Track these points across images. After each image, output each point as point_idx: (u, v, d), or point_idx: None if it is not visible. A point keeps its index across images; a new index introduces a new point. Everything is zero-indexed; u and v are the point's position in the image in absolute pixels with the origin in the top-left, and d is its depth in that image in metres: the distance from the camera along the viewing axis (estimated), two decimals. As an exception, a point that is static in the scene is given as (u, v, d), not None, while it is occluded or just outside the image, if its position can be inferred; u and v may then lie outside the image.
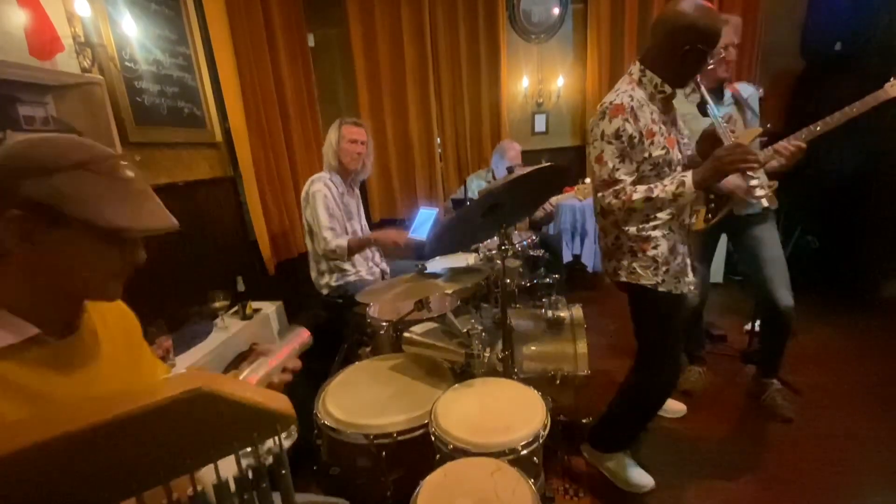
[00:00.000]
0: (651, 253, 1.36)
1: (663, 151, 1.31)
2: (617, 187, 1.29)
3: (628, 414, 1.57)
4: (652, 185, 1.27)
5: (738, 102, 1.81)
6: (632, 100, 1.28)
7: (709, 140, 1.38)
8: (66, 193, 0.57)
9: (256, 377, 0.73)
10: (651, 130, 1.29)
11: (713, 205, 1.85)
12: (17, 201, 0.55)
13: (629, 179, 1.29)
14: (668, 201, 1.24)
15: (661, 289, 1.37)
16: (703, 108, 1.40)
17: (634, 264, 1.38)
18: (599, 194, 1.34)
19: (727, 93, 1.82)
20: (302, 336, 0.84)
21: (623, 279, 1.41)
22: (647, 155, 1.30)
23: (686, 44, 1.22)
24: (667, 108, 1.38)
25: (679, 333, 1.47)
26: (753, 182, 1.26)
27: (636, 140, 1.27)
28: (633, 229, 1.37)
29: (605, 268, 1.51)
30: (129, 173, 0.63)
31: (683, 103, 1.73)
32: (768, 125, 1.81)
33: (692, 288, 1.46)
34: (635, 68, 1.35)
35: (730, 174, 1.22)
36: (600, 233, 1.50)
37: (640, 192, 1.26)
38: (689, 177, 1.22)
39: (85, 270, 0.62)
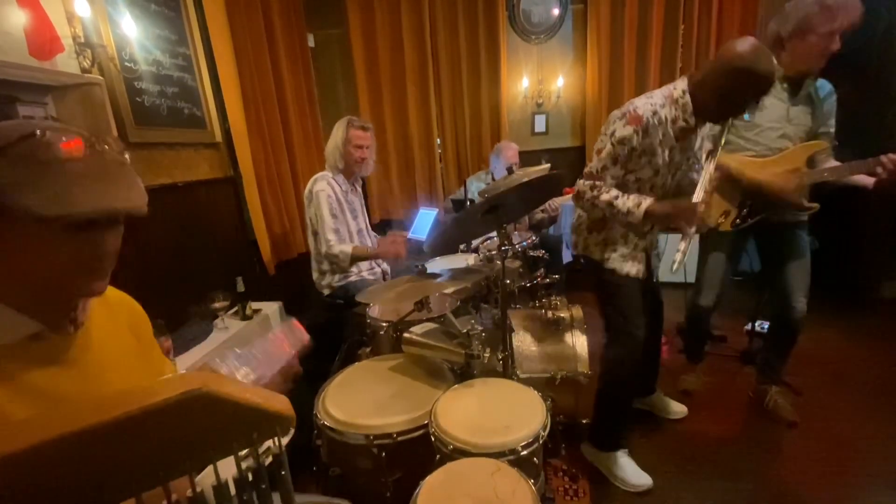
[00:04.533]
0: (602, 235, 1.56)
1: (652, 174, 1.43)
2: (597, 182, 1.43)
3: (607, 394, 1.63)
4: (621, 194, 1.41)
5: (813, 100, 1.67)
6: (654, 115, 1.32)
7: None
8: None
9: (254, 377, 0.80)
10: (654, 151, 1.37)
11: (746, 210, 1.73)
12: None
13: (611, 182, 1.43)
14: (622, 214, 1.40)
15: (606, 265, 1.54)
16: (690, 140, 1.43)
17: (588, 240, 1.60)
18: (581, 180, 1.48)
19: (812, 85, 1.67)
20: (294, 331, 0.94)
21: (580, 251, 1.63)
22: (635, 170, 1.42)
23: (735, 88, 1.23)
24: (682, 135, 1.39)
25: (630, 311, 1.55)
26: (680, 246, 1.31)
27: (636, 154, 1.38)
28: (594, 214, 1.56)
29: (571, 241, 1.70)
30: (66, 153, 0.55)
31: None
32: (835, 142, 1.70)
33: (639, 275, 1.55)
34: (681, 85, 1.35)
35: (673, 226, 1.37)
36: (573, 212, 1.69)
37: (608, 195, 1.41)
38: (645, 204, 1.36)
39: (44, 264, 0.57)
